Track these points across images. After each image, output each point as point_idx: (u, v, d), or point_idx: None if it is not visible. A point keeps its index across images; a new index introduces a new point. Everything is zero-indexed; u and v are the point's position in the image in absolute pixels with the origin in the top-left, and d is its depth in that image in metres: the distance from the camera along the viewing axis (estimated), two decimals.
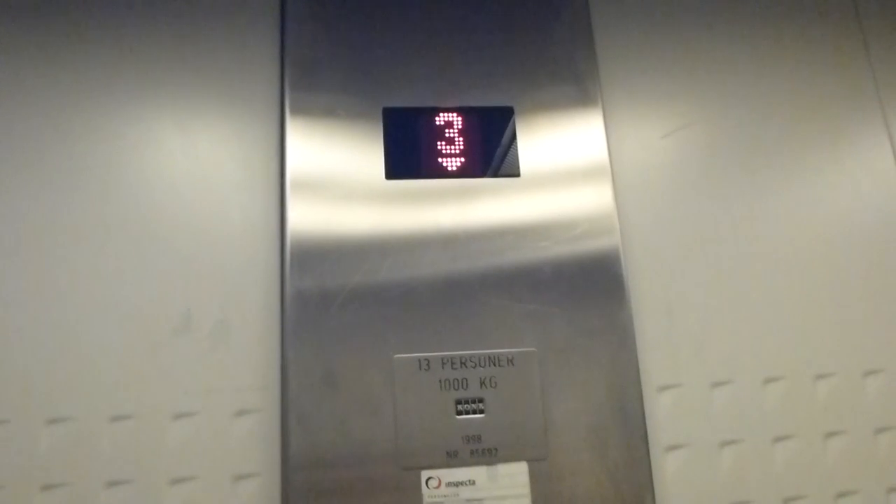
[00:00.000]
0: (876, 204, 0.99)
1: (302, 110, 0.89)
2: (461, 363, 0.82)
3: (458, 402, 0.81)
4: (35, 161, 0.86)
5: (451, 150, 0.90)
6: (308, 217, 0.85)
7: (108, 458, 0.78)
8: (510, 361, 0.83)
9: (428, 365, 0.82)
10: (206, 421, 0.80)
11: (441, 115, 0.91)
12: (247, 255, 0.86)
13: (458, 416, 0.81)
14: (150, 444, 0.79)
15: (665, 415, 0.87)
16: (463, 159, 0.90)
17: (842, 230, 0.97)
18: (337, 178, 0.87)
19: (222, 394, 0.81)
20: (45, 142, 0.86)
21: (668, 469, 0.85)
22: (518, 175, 0.90)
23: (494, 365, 0.83)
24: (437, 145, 0.90)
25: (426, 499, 0.78)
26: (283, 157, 0.88)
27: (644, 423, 0.83)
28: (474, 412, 0.81)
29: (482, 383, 0.82)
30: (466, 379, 0.82)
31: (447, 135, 0.90)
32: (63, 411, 0.78)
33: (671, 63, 1.01)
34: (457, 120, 0.91)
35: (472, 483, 0.79)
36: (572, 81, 0.95)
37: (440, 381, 0.81)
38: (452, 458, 0.79)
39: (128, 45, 0.92)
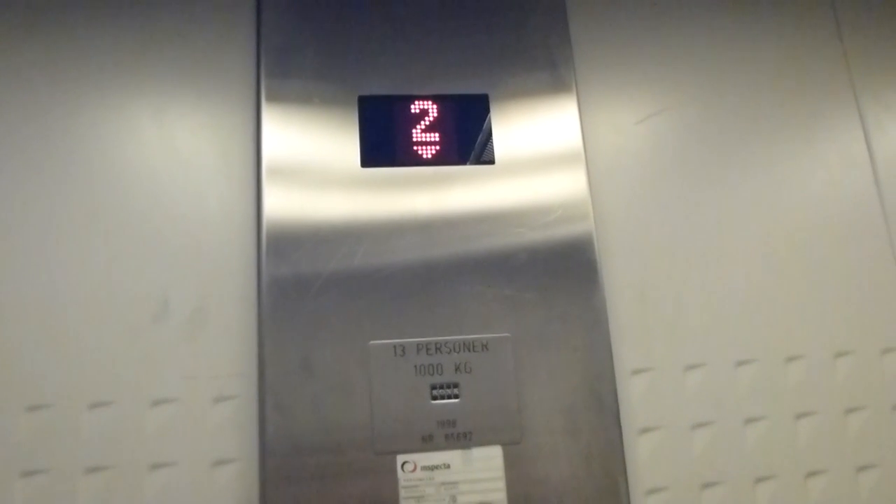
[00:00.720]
0: (848, 189, 1.00)
1: (278, 97, 0.89)
2: (436, 349, 0.83)
3: (433, 387, 0.82)
4: (10, 149, 0.86)
5: (426, 137, 0.90)
6: (284, 204, 0.85)
7: (87, 444, 0.78)
8: (485, 347, 0.84)
9: (403, 351, 0.83)
10: (185, 407, 0.81)
11: (416, 102, 0.91)
12: (224, 242, 0.86)
13: (433, 401, 0.82)
14: (129, 430, 0.79)
15: (638, 398, 0.88)
16: (438, 147, 0.90)
17: (814, 215, 0.98)
18: (313, 165, 0.87)
19: (200, 380, 0.82)
20: (19, 129, 0.86)
21: (641, 451, 0.86)
22: (493, 162, 0.91)
23: (469, 350, 0.84)
24: (412, 133, 0.90)
25: (402, 482, 0.79)
26: (259, 144, 0.88)
27: (617, 407, 0.85)
28: (449, 397, 0.82)
29: (457, 368, 0.83)
30: (441, 364, 0.83)
31: (422, 122, 0.91)
32: (42, 398, 0.79)
33: (646, 49, 1.02)
34: (432, 108, 0.91)
35: (447, 467, 0.80)
36: (547, 68, 0.95)
37: (415, 366, 0.82)
38: (427, 443, 0.80)
39: (103, 31, 0.91)
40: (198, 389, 0.81)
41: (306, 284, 0.83)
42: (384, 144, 0.89)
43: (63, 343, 0.81)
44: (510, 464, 0.81)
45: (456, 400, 0.82)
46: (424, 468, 0.80)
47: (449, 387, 0.82)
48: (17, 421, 0.78)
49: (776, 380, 0.91)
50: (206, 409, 0.81)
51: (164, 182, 0.87)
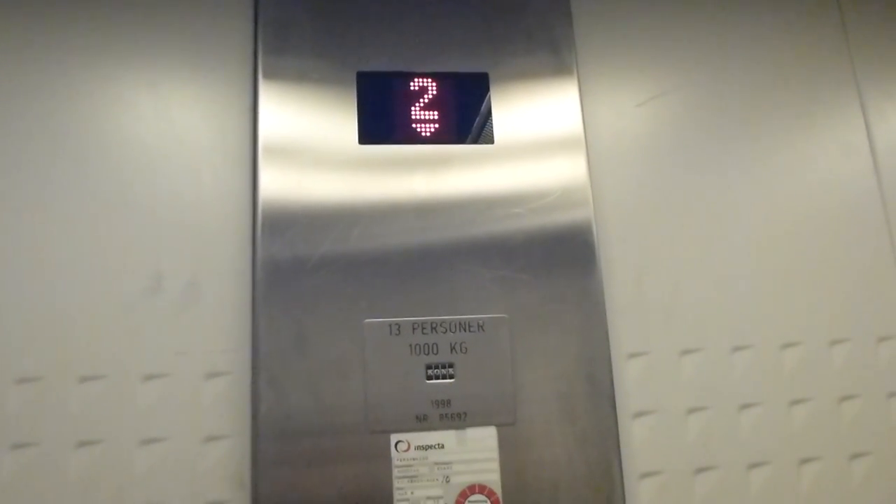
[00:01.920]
0: (848, 176, 1.00)
1: (275, 75, 0.88)
2: (432, 328, 0.82)
3: (429, 366, 0.82)
4: (3, 121, 0.84)
5: (425, 115, 0.89)
6: (280, 180, 0.84)
7: (77, 418, 0.78)
8: (481, 327, 0.83)
9: (398, 330, 0.82)
10: (177, 382, 0.80)
11: (415, 79, 0.90)
12: (219, 217, 0.85)
13: (428, 381, 0.81)
14: (120, 404, 0.79)
15: (633, 381, 0.88)
16: (437, 125, 0.89)
17: (813, 202, 0.98)
18: (310, 142, 0.86)
19: (193, 356, 0.81)
20: (13, 102, 0.85)
21: (636, 435, 0.86)
22: (492, 142, 0.90)
23: (465, 330, 0.83)
24: (411, 110, 0.89)
25: (395, 462, 0.78)
26: (256, 120, 0.87)
27: (612, 390, 0.84)
28: (444, 377, 0.82)
29: (452, 348, 0.82)
30: (437, 344, 0.82)
31: (421, 100, 0.90)
32: (32, 371, 0.78)
33: (647, 32, 1.01)
34: (431, 85, 0.90)
35: (441, 447, 0.80)
36: (548, 49, 0.94)
37: (410, 345, 0.82)
38: (422, 422, 0.80)
39: (100, 3, 0.90)
40: (190, 365, 0.81)
41: (301, 261, 0.82)
42: (382, 121, 0.88)
43: (54, 315, 0.80)
44: (504, 445, 0.81)
45: (451, 380, 0.82)
46: (418, 448, 0.79)
47: (444, 367, 0.82)
48: (6, 393, 0.77)
49: (772, 366, 0.91)
50: (199, 384, 0.80)
51: (158, 155, 0.86)
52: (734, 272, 0.93)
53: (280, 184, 0.84)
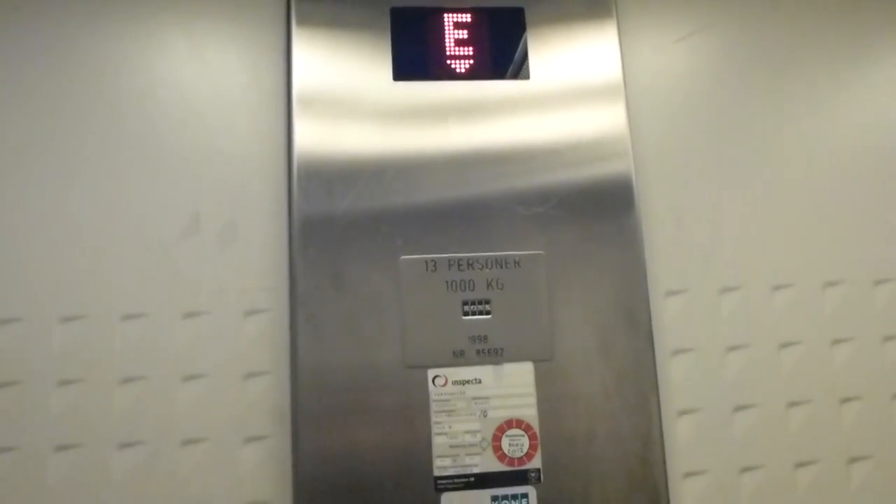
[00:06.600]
0: (894, 115, 0.96)
1: (310, 11, 0.87)
2: (468, 265, 0.82)
3: (465, 303, 0.82)
4: (42, 66, 0.85)
5: (460, 50, 0.88)
6: (315, 121, 0.84)
7: (121, 355, 0.79)
8: (517, 264, 0.83)
9: (435, 266, 0.82)
10: (217, 320, 0.81)
11: (450, 14, 0.89)
12: (255, 158, 0.86)
13: (464, 317, 0.81)
14: (162, 341, 0.80)
15: (672, 319, 0.87)
16: (472, 61, 0.88)
17: (856, 141, 0.95)
18: (345, 79, 0.86)
19: (232, 294, 0.82)
20: (51, 47, 0.85)
21: (674, 372, 0.85)
22: (528, 78, 0.88)
23: (501, 267, 0.83)
24: (445, 46, 0.88)
25: (433, 396, 0.79)
26: (290, 60, 0.86)
27: (651, 327, 0.84)
28: (481, 313, 0.81)
29: (489, 285, 0.82)
30: (473, 280, 0.82)
31: (456, 35, 0.88)
32: (76, 309, 0.79)
33: None
34: (466, 19, 0.89)
35: (479, 382, 0.80)
36: None
37: (447, 282, 0.82)
38: (459, 358, 0.80)
39: None
40: (228, 302, 0.82)
41: (337, 200, 0.82)
42: (417, 57, 0.87)
43: (95, 255, 0.81)
44: (541, 380, 0.81)
45: (487, 316, 0.82)
46: (455, 383, 0.79)
47: (481, 303, 0.82)
48: (51, 331, 0.79)
49: (813, 305, 0.89)
50: (238, 322, 0.81)
51: (194, 98, 0.86)
52: (775, 210, 0.91)
53: (315, 124, 0.84)
